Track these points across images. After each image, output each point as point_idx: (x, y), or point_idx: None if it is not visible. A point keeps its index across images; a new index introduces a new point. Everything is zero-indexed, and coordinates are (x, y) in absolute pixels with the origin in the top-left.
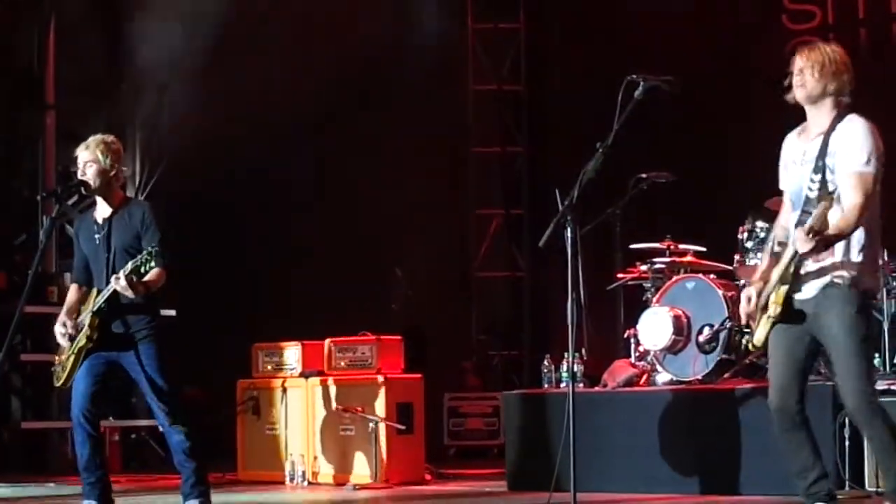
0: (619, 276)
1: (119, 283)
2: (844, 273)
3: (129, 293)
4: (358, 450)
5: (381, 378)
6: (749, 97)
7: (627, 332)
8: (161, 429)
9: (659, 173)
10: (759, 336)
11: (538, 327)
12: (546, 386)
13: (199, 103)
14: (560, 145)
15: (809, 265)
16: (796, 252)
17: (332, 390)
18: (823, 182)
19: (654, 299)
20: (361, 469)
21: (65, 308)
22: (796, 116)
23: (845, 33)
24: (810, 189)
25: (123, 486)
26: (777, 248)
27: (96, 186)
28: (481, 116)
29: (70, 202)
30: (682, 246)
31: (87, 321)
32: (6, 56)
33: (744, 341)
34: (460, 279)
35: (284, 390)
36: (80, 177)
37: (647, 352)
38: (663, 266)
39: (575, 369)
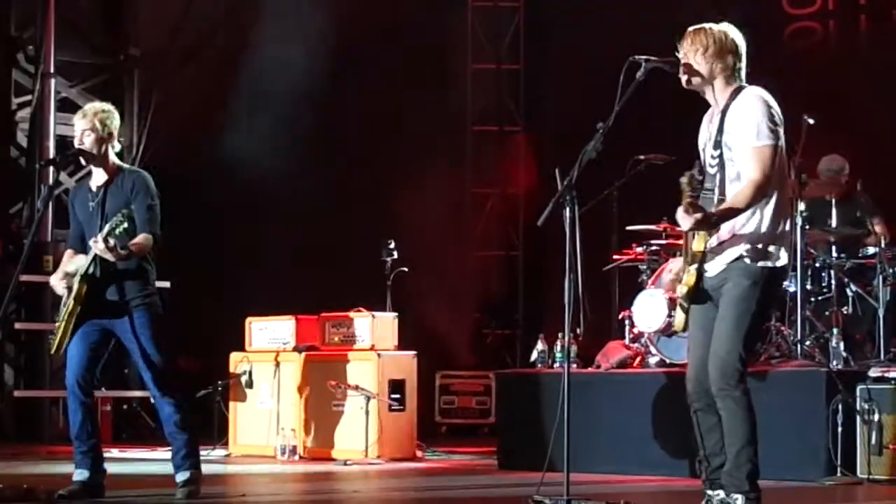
0: (615, 257)
1: (97, 245)
2: (748, 247)
3: (109, 256)
4: (350, 425)
5: (374, 354)
6: (748, 80)
7: (622, 313)
8: (152, 399)
9: (656, 155)
10: (678, 321)
11: (532, 307)
12: (539, 366)
13: (199, 75)
14: (558, 125)
15: (714, 242)
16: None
17: (326, 366)
18: (721, 159)
19: (650, 281)
20: (353, 444)
21: (60, 268)
22: (797, 99)
23: (846, 19)
24: (710, 166)
25: (114, 457)
26: None
27: (93, 155)
28: (480, 95)
29: (67, 171)
30: (678, 228)
31: (76, 287)
32: (5, 24)
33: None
34: (456, 257)
35: (277, 364)
36: (77, 145)
37: (641, 334)
38: (659, 248)
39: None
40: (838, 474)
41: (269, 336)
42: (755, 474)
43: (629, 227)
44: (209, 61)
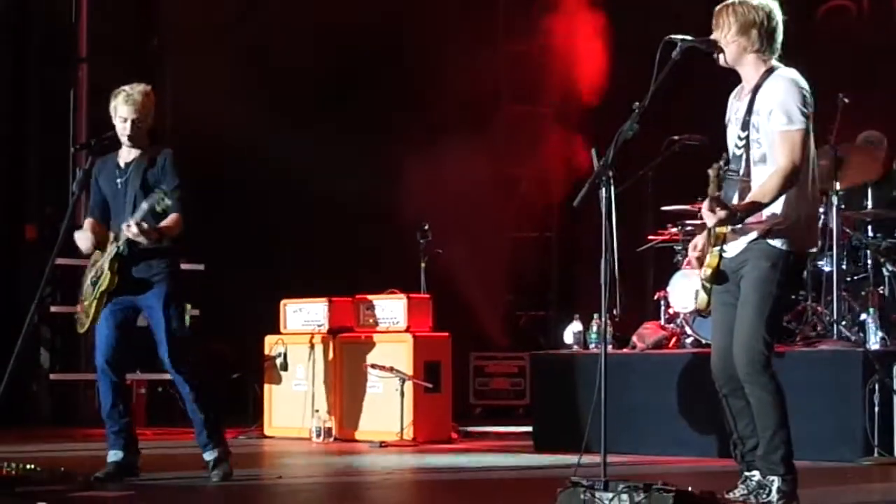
0: (650, 237)
1: (131, 230)
2: (770, 227)
3: (142, 239)
4: (385, 407)
5: (409, 336)
6: (782, 61)
7: (657, 294)
8: (172, 378)
9: (691, 136)
10: (701, 300)
11: (566, 288)
12: (575, 347)
13: (228, 59)
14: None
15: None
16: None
17: (360, 347)
18: (748, 140)
19: (685, 262)
20: (388, 426)
21: (83, 231)
22: (826, 78)
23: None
24: (737, 147)
25: (148, 440)
26: None
27: (130, 137)
28: (512, 75)
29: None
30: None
31: (106, 266)
32: (40, 9)
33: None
34: (489, 238)
35: (312, 347)
36: (117, 126)
37: (676, 314)
38: (694, 228)
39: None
40: (875, 455)
41: (304, 318)
42: (789, 456)
43: (664, 208)
44: (239, 45)
